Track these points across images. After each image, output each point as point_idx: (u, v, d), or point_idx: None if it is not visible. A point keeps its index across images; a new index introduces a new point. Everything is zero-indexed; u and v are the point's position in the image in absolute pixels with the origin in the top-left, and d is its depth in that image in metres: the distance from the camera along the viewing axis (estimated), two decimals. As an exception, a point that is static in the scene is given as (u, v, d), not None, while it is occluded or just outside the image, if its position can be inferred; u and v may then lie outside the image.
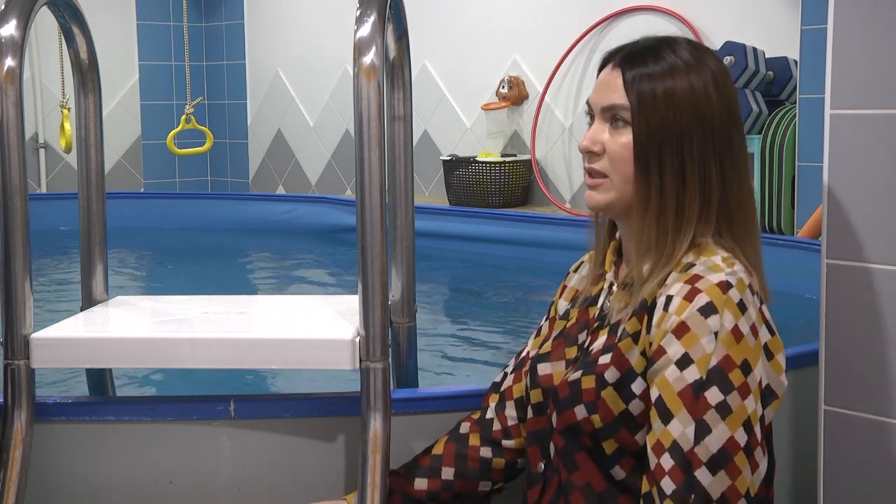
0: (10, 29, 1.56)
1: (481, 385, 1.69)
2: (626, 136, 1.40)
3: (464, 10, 5.95)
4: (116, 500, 1.67)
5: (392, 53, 1.80)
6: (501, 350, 3.43)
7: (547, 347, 1.51)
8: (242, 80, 7.18)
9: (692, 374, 1.31)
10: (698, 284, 1.34)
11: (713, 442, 1.29)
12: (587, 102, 1.46)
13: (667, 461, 1.30)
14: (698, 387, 1.30)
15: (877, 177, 1.49)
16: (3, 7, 1.58)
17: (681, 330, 1.32)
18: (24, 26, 1.56)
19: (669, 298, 1.35)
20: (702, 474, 1.28)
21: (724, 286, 1.33)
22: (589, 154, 1.44)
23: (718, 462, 1.29)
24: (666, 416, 1.31)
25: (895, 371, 1.50)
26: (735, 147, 1.41)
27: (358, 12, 1.52)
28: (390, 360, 1.57)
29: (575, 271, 1.61)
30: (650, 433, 1.33)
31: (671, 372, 1.32)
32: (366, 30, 1.50)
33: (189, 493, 1.67)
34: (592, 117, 1.45)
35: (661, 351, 1.33)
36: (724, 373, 1.30)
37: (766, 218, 4.32)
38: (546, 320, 1.61)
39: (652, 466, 1.32)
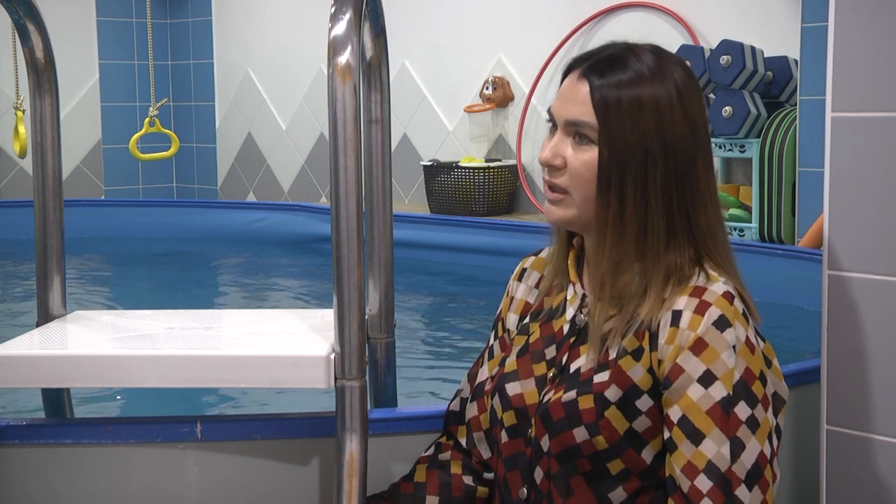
0: (-38, 26, 1.55)
1: (464, 404, 1.69)
2: (588, 154, 1.41)
3: (445, 7, 5.96)
4: (75, 528, 1.66)
5: (369, 52, 1.80)
6: (486, 367, 3.42)
7: (512, 365, 1.51)
8: (210, 81, 7.17)
9: (718, 391, 1.34)
10: (705, 297, 1.37)
11: (748, 458, 1.33)
12: (549, 111, 1.47)
13: (703, 482, 1.32)
14: (727, 403, 1.33)
15: (881, 183, 1.51)
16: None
17: (698, 346, 1.35)
18: (-23, 23, 1.56)
19: (677, 314, 1.37)
20: (741, 492, 1.32)
21: (729, 297, 1.37)
22: (549, 167, 1.45)
23: (753, 477, 1.33)
24: (696, 437, 1.33)
25: (901, 388, 1.51)
26: (699, 171, 1.42)
27: (333, 9, 1.53)
28: (367, 377, 1.57)
29: (518, 280, 1.61)
30: (675, 454, 1.35)
31: (695, 390, 1.34)
32: (341, 27, 1.51)
33: (153, 520, 1.66)
34: (554, 125, 1.46)
35: (679, 369, 1.35)
36: (747, 386, 1.34)
37: (766, 226, 4.34)
38: (496, 339, 1.61)
39: (685, 489, 1.33)
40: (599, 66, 1.42)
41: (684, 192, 1.41)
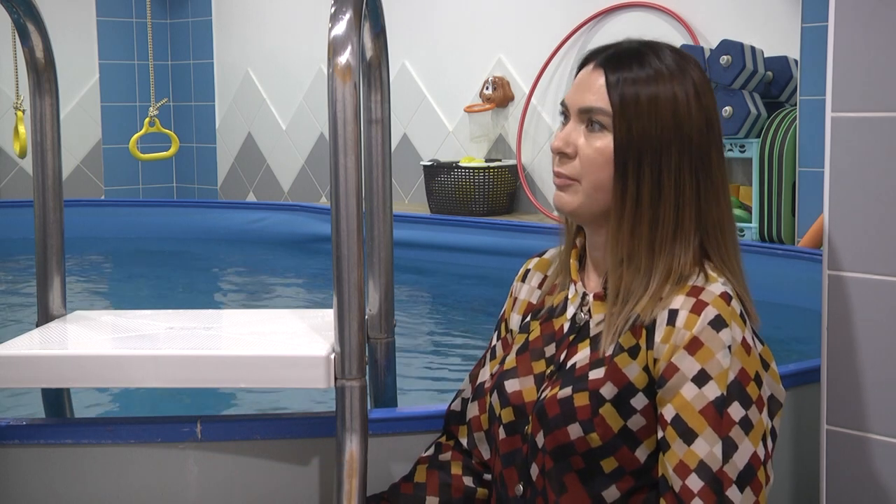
0: (-38, 26, 1.55)
1: (464, 404, 1.69)
2: (601, 141, 1.42)
3: (445, 6, 5.96)
4: (75, 528, 1.66)
5: (369, 52, 1.80)
6: (486, 367, 3.42)
7: (511, 362, 1.52)
8: (210, 81, 7.17)
9: (712, 390, 1.34)
10: (703, 297, 1.37)
11: (740, 459, 1.33)
12: (562, 102, 1.48)
13: (695, 482, 1.32)
14: (720, 403, 1.33)
15: (881, 183, 1.51)
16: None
17: (694, 345, 1.35)
18: (-23, 23, 1.56)
19: (674, 312, 1.37)
20: (732, 493, 1.32)
21: (727, 297, 1.37)
22: (560, 155, 1.46)
23: (745, 478, 1.33)
24: (688, 436, 1.34)
25: (901, 388, 1.51)
26: (713, 162, 1.43)
27: (333, 9, 1.53)
28: (367, 377, 1.57)
29: (522, 281, 1.62)
30: (667, 454, 1.35)
31: (689, 389, 1.34)
32: (341, 27, 1.51)
33: (152, 520, 1.66)
34: (566, 118, 1.47)
35: (674, 368, 1.35)
36: (742, 387, 1.34)
37: (766, 226, 4.34)
38: (499, 340, 1.62)
39: (676, 488, 1.34)
40: (617, 59, 1.43)
41: (698, 183, 1.42)
